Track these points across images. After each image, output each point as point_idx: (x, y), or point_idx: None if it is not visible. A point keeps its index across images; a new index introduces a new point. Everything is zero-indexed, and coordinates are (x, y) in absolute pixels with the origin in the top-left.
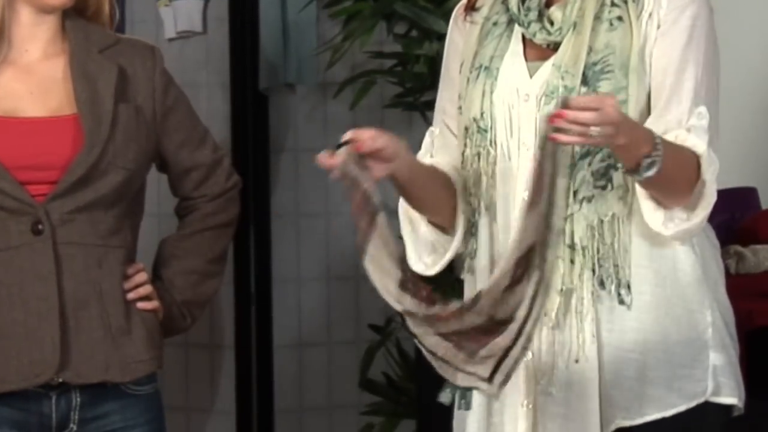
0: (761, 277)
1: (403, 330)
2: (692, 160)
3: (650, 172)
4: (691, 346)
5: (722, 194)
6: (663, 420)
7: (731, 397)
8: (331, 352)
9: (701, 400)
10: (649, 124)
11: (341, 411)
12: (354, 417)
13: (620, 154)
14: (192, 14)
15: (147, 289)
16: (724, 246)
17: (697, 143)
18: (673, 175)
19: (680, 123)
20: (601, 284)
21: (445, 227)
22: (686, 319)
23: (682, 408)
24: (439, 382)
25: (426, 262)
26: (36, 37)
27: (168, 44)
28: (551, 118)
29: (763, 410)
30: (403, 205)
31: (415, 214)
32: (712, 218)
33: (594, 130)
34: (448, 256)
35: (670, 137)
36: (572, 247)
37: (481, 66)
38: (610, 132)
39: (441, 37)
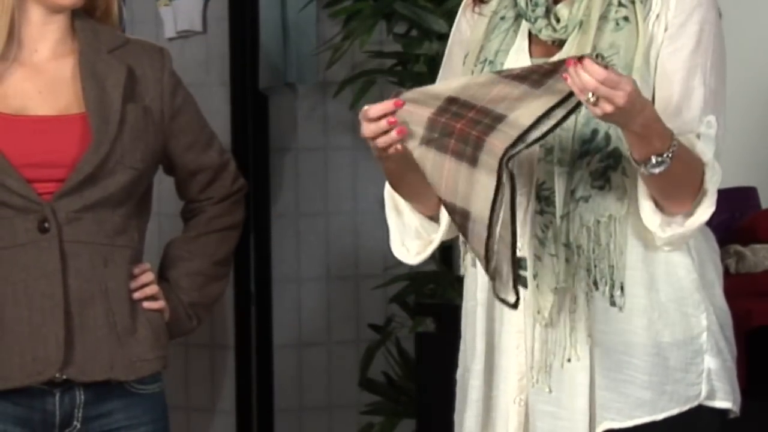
0: (761, 277)
1: (403, 329)
2: (698, 168)
3: (656, 170)
4: (686, 350)
5: (722, 194)
6: (653, 423)
7: (725, 401)
8: (331, 352)
9: (695, 404)
10: None
11: (341, 410)
12: (354, 416)
13: (631, 142)
14: (192, 14)
15: (153, 288)
16: (724, 246)
17: (705, 151)
18: (679, 179)
19: (691, 129)
20: (595, 285)
21: (430, 216)
22: (681, 323)
23: (674, 412)
24: (440, 381)
25: (408, 247)
26: (45, 37)
27: (168, 44)
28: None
29: (763, 410)
30: (388, 192)
31: (400, 201)
32: (712, 218)
33: (591, 97)
34: (435, 244)
35: (681, 140)
36: (568, 246)
37: (486, 60)
38: (609, 110)
39: (441, 37)
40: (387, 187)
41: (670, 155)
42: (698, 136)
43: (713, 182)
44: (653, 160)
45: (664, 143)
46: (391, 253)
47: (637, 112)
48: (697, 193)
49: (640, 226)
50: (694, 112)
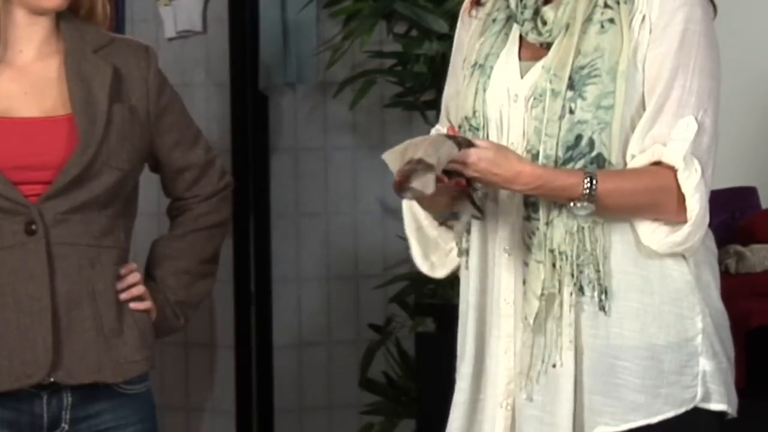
0: (761, 277)
1: (403, 329)
2: (663, 179)
3: (583, 212)
4: (680, 353)
5: (722, 194)
6: (648, 427)
7: (721, 403)
8: (331, 352)
9: (690, 406)
10: (632, 141)
11: (341, 410)
12: (354, 417)
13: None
14: (192, 14)
15: (140, 289)
16: (724, 246)
17: (673, 156)
18: (629, 204)
19: (662, 138)
20: (581, 290)
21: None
22: (675, 326)
23: (669, 414)
24: (440, 381)
25: (432, 261)
26: (30, 38)
27: (168, 44)
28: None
29: (763, 410)
30: (407, 206)
31: (419, 211)
32: (712, 218)
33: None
34: (454, 254)
35: (645, 156)
36: (552, 251)
37: (476, 63)
38: (487, 179)
39: (441, 37)
40: (406, 202)
41: (591, 201)
42: (666, 143)
43: (690, 184)
44: (576, 205)
45: (574, 191)
46: (391, 253)
47: (509, 181)
48: (678, 199)
49: (630, 230)
50: (666, 118)
